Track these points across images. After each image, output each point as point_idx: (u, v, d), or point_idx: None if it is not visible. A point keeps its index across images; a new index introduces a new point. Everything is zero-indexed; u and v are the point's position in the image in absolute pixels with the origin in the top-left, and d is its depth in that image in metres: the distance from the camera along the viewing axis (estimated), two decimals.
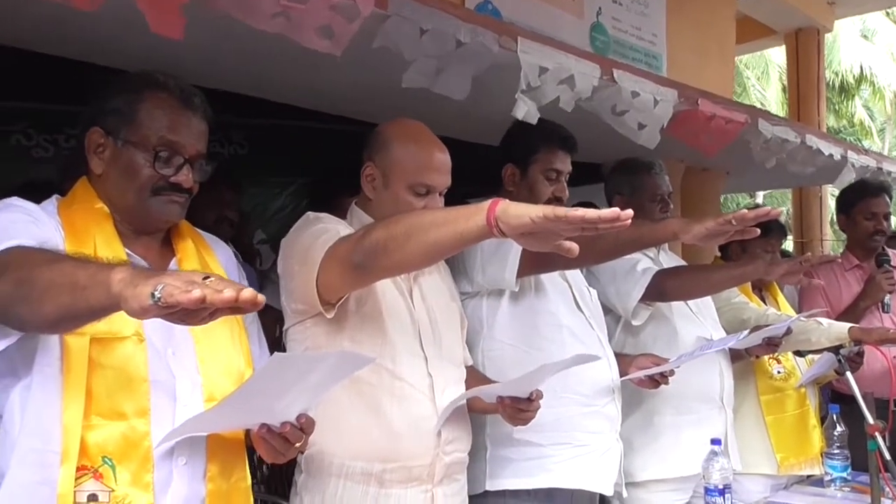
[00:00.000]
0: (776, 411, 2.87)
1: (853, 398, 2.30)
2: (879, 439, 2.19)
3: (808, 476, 2.87)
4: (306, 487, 1.78)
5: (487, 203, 1.32)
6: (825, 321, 2.81)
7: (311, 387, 1.34)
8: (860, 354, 2.84)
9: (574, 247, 1.32)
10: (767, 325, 2.58)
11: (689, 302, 2.63)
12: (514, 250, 2.02)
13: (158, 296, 0.97)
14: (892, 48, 17.57)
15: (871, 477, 2.24)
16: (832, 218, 5.79)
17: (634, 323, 2.46)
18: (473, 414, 1.97)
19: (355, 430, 1.74)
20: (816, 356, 2.87)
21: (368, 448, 1.74)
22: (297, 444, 1.40)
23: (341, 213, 1.91)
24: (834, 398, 3.23)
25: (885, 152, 16.13)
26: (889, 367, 2.71)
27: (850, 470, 2.66)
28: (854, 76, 17.08)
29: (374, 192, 1.87)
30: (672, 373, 2.24)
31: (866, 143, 16.58)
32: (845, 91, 17.61)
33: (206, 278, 1.00)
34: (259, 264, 3.51)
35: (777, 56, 16.59)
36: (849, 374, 2.41)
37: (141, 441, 1.35)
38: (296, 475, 1.82)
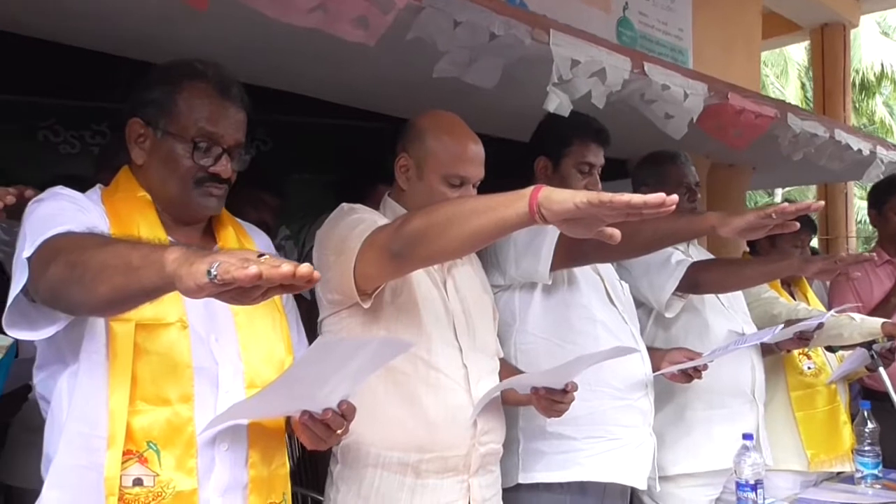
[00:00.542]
0: (806, 407, 2.84)
1: (884, 394, 2.27)
2: None
3: (839, 473, 2.84)
4: (342, 478, 1.78)
5: (529, 189, 1.31)
6: (857, 316, 2.78)
7: (352, 373, 1.34)
8: (893, 350, 2.80)
9: (616, 233, 1.31)
10: (799, 320, 2.56)
11: (721, 296, 2.61)
12: (548, 243, 2.01)
13: (214, 273, 0.97)
14: None
15: None
16: (858, 215, 5.75)
17: (667, 315, 2.44)
18: (506, 406, 1.97)
19: (391, 420, 1.74)
20: (847, 352, 2.84)
21: (405, 438, 1.74)
22: (339, 431, 1.40)
23: (371, 206, 1.91)
24: (865, 394, 3.20)
25: None
26: None
27: (881, 467, 2.62)
28: (875, 73, 16.91)
29: (407, 182, 1.87)
30: (705, 367, 2.22)
31: None
32: (866, 89, 17.42)
33: (261, 256, 0.99)
34: None
35: (796, 53, 16.47)
36: (882, 369, 2.39)
37: (185, 426, 1.36)
38: (331, 465, 1.82)
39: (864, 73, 16.96)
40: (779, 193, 15.69)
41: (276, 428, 1.51)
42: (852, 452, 2.75)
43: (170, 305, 1.35)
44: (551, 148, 2.27)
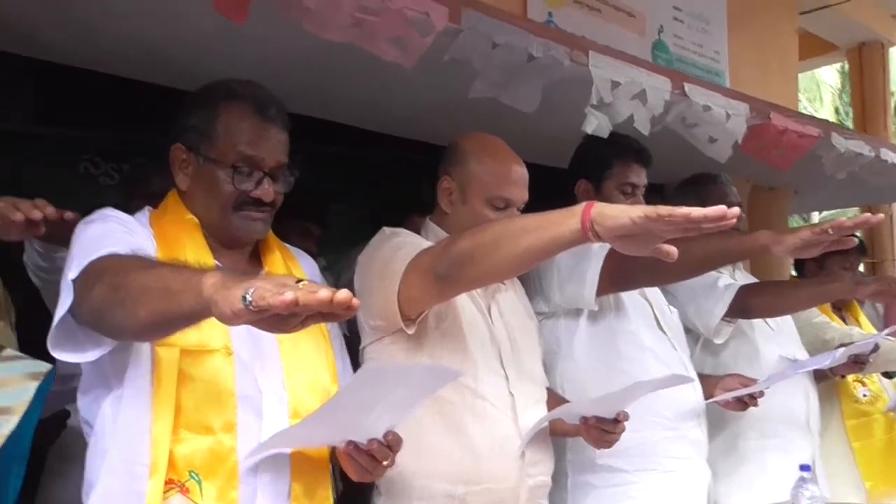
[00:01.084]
0: (863, 437, 2.74)
1: None
2: None
3: None
4: None
5: (581, 206, 1.27)
6: None
7: (398, 402, 1.30)
8: None
9: (674, 250, 1.26)
10: (853, 343, 2.47)
11: (770, 320, 2.53)
12: (593, 268, 1.96)
13: (250, 299, 0.94)
14: None
15: None
16: None
17: (716, 341, 2.37)
18: (554, 438, 1.91)
19: (437, 451, 1.68)
20: None
21: (451, 469, 1.68)
22: (385, 462, 1.36)
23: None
24: None
25: None
26: None
27: None
28: None
29: (450, 206, 1.83)
30: (761, 394, 2.14)
31: None
32: None
33: (298, 282, 0.96)
34: None
35: (828, 77, 16.29)
36: None
37: (228, 456, 1.33)
38: (374, 498, 1.77)
39: None
40: (815, 217, 15.43)
41: (320, 459, 1.47)
42: None
43: (215, 331, 1.33)
44: (592, 170, 2.22)
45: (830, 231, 1.65)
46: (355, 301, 0.95)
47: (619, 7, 3.54)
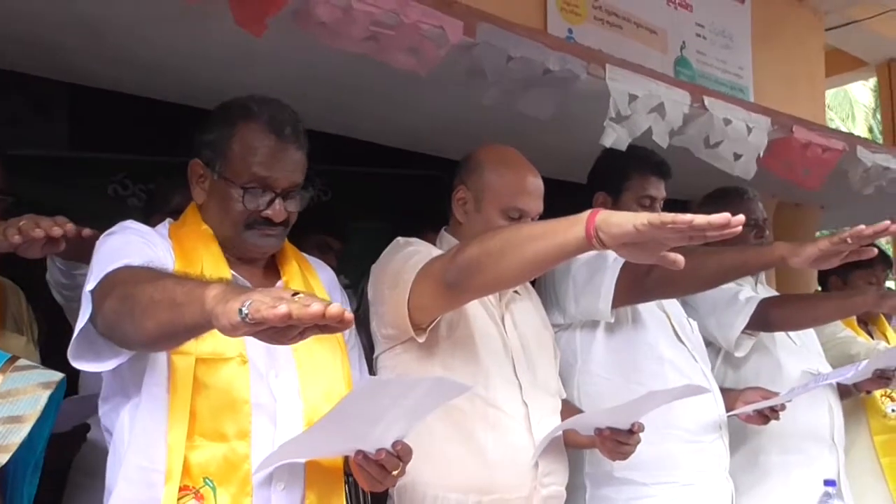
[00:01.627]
0: (892, 453, 2.68)
1: None
2: None
3: None
4: None
5: (587, 213, 1.28)
6: None
7: (406, 413, 1.31)
8: None
9: (680, 259, 1.26)
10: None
11: (792, 334, 2.49)
12: (609, 279, 1.95)
13: (246, 311, 0.96)
14: None
15: None
16: None
17: (737, 354, 2.34)
18: (571, 450, 1.89)
19: (449, 460, 1.68)
20: None
21: (463, 478, 1.68)
22: (395, 473, 1.37)
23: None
24: None
25: None
26: None
27: None
28: None
29: (465, 216, 1.84)
30: (783, 407, 2.11)
31: None
32: None
33: (294, 294, 0.98)
34: None
35: (862, 95, 16.10)
36: None
37: (241, 464, 1.34)
38: None
39: None
40: None
41: (333, 468, 1.47)
42: None
43: (230, 340, 1.33)
44: (610, 183, 2.22)
45: (849, 240, 1.63)
46: (348, 314, 0.97)
47: (641, 24, 3.55)
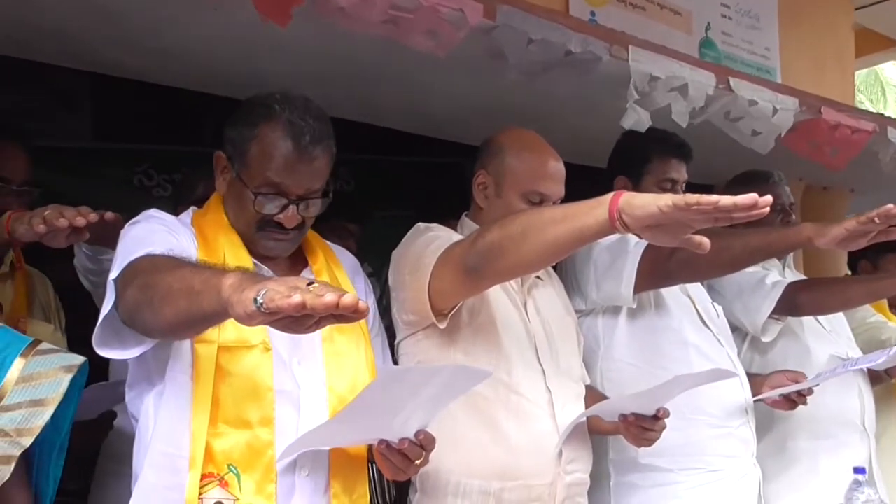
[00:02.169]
0: None
1: None
2: None
3: None
4: None
5: (609, 195, 1.26)
6: None
7: (427, 402, 1.30)
8: None
9: (705, 241, 1.23)
10: None
11: (821, 319, 2.45)
12: (630, 263, 1.93)
13: (261, 301, 0.95)
14: None
15: None
16: None
17: (764, 339, 2.30)
18: (595, 437, 1.88)
19: (472, 447, 1.67)
20: None
21: (486, 465, 1.67)
22: (418, 462, 1.36)
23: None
24: None
25: None
26: None
27: None
28: None
29: (485, 200, 1.83)
30: (810, 392, 2.07)
31: None
32: None
33: (309, 284, 0.97)
34: None
35: (893, 75, 15.78)
36: None
37: (265, 450, 1.35)
38: (410, 494, 1.76)
39: None
40: None
41: (358, 456, 1.48)
42: None
43: (253, 328, 1.32)
44: (630, 166, 2.19)
45: (877, 219, 1.59)
46: (362, 304, 0.96)
47: (665, 5, 3.49)
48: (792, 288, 2.24)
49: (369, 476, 1.54)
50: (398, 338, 1.77)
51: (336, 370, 1.45)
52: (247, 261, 1.43)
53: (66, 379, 1.26)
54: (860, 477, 2.04)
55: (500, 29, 1.93)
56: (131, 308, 1.22)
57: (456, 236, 1.69)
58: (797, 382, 2.08)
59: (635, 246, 1.90)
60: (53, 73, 2.45)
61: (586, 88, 2.37)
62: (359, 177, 4.33)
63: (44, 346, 1.29)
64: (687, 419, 1.96)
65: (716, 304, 2.23)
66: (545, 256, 1.42)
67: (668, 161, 2.15)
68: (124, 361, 1.39)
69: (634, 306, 2.03)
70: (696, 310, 2.14)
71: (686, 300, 2.14)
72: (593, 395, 1.89)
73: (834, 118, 2.88)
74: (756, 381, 2.13)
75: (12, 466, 1.21)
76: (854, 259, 3.16)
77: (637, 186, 2.16)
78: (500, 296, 1.74)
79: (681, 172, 2.17)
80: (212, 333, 1.32)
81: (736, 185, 2.63)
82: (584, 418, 1.77)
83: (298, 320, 0.98)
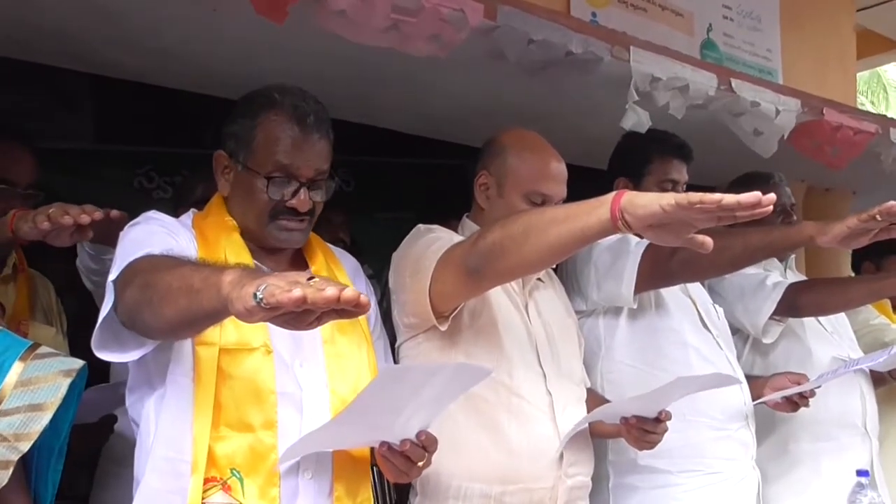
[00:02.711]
0: None
1: None
2: None
3: None
4: None
5: (611, 195, 1.25)
6: None
7: (428, 402, 1.29)
8: None
9: (708, 241, 1.22)
10: None
11: (823, 320, 2.44)
12: (631, 264, 1.92)
13: (261, 296, 0.94)
14: None
15: None
16: None
17: (765, 341, 2.29)
18: (594, 439, 1.87)
19: (472, 450, 1.66)
20: None
21: (487, 469, 1.66)
22: (420, 463, 1.36)
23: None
24: None
25: None
26: None
27: None
28: None
29: (487, 201, 1.82)
30: (812, 393, 2.06)
31: None
32: None
33: (310, 279, 0.96)
34: None
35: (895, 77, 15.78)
36: None
37: (268, 454, 1.34)
38: (411, 498, 1.76)
39: None
40: None
41: (361, 458, 1.47)
42: None
43: (254, 331, 1.35)
44: (631, 168, 2.19)
45: (878, 216, 1.58)
46: (363, 298, 0.95)
47: (666, 6, 3.48)
48: (793, 289, 2.23)
49: (371, 479, 1.53)
50: (399, 340, 1.76)
51: (338, 372, 1.44)
52: (248, 262, 1.42)
53: (65, 383, 1.25)
54: (863, 480, 2.04)
55: (501, 29, 1.93)
56: (131, 308, 1.21)
57: (457, 237, 1.69)
58: (799, 384, 2.07)
59: (636, 246, 1.89)
60: (53, 73, 2.44)
61: (587, 89, 2.37)
62: (359, 178, 4.33)
63: (43, 349, 1.29)
64: (687, 421, 1.95)
65: (717, 306, 2.23)
66: (547, 257, 1.41)
67: (668, 162, 2.15)
68: (125, 363, 1.38)
69: (635, 307, 2.02)
70: (698, 311, 2.13)
71: (687, 301, 2.14)
72: (594, 398, 1.89)
73: (836, 119, 2.87)
74: (758, 383, 2.12)
75: (10, 471, 1.20)
76: (857, 260, 3.16)
77: (638, 187, 2.16)
78: (501, 298, 1.74)
79: (682, 173, 2.16)
80: (213, 336, 1.32)
81: (737, 186, 2.62)
82: (587, 424, 1.76)
83: (299, 316, 0.97)
